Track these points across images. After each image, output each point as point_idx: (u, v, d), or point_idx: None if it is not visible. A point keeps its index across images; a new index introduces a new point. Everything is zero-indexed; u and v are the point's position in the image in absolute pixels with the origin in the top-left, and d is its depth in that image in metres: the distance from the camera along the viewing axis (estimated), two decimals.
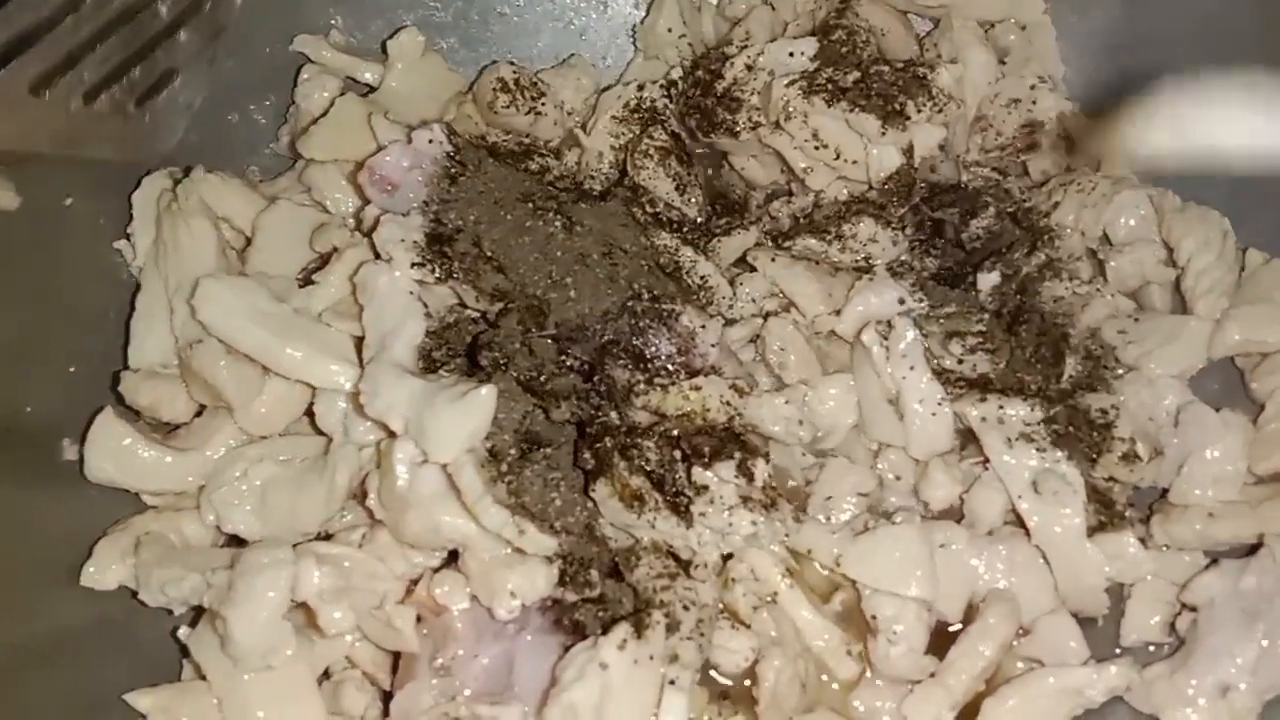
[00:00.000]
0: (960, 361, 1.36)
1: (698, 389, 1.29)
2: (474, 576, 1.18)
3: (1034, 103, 1.52)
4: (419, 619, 1.21)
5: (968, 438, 1.34)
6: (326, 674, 1.26)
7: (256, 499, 1.26)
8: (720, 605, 1.27)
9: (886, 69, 1.45)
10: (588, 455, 1.21)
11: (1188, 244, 1.41)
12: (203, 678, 1.21)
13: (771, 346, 1.38)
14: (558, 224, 1.34)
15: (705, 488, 1.23)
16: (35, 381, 1.31)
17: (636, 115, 1.57)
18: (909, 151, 1.44)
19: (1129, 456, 1.30)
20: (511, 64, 1.57)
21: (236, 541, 1.28)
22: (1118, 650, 1.32)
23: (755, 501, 1.23)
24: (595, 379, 1.29)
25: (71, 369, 1.35)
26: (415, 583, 1.22)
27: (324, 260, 1.38)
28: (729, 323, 1.42)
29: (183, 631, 1.24)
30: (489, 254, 1.31)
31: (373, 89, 1.59)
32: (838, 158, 1.45)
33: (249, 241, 1.42)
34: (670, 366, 1.31)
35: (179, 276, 1.35)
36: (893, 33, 1.54)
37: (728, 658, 1.26)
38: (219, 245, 1.38)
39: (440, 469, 1.16)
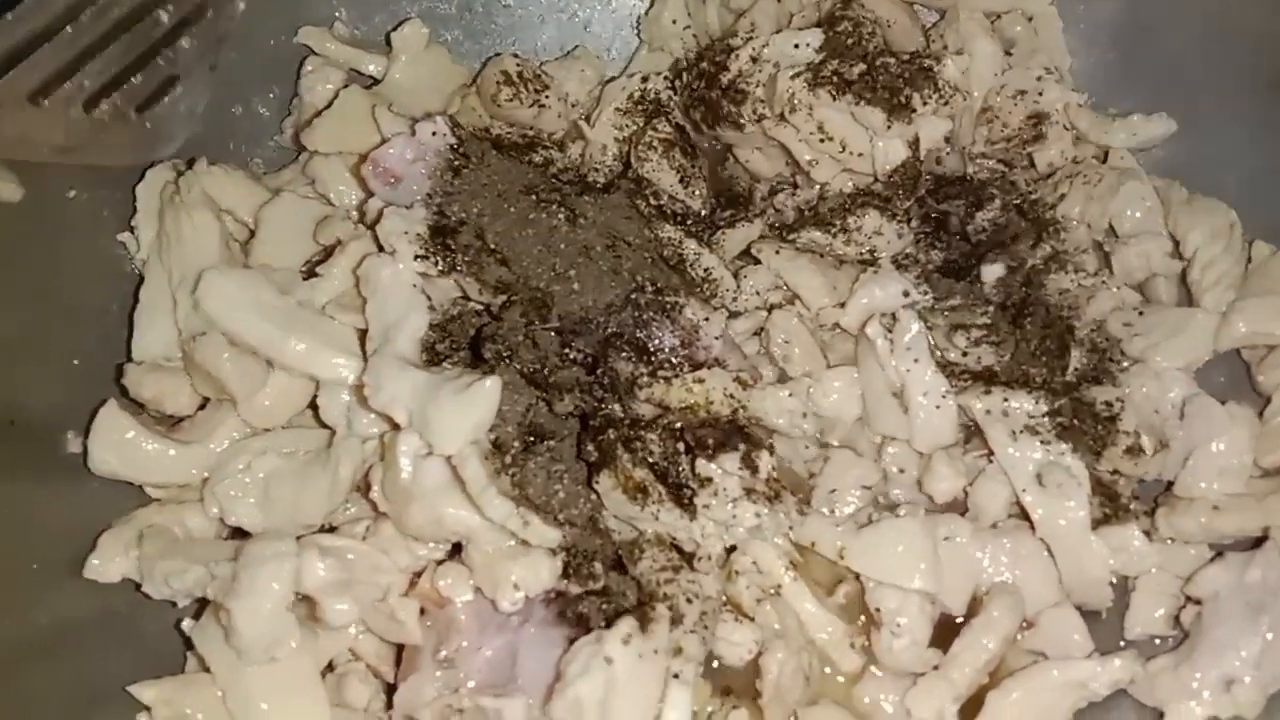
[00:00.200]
0: (965, 354, 1.37)
1: (701, 381, 1.29)
2: (478, 569, 1.18)
3: (1040, 94, 1.51)
4: (422, 611, 1.21)
5: (972, 430, 1.34)
6: (330, 666, 1.27)
7: (260, 492, 1.26)
8: (724, 598, 1.27)
9: (892, 61, 1.44)
10: (591, 448, 1.21)
11: (1194, 236, 1.41)
12: (206, 670, 1.22)
13: (775, 339, 1.38)
14: (561, 216, 1.34)
15: (709, 480, 1.23)
16: (38, 374, 1.31)
17: (640, 107, 1.56)
18: (914, 144, 1.44)
19: (1134, 449, 1.30)
20: (515, 56, 1.57)
21: (240, 534, 1.28)
22: (1122, 643, 1.32)
23: (759, 494, 1.23)
24: (599, 371, 1.29)
25: (75, 362, 1.35)
26: (419, 575, 1.22)
27: (327, 253, 1.38)
28: (733, 315, 1.42)
29: (186, 624, 1.24)
30: (492, 246, 1.31)
31: (376, 81, 1.59)
32: (843, 150, 1.44)
33: (252, 234, 1.42)
34: (674, 359, 1.32)
35: (182, 269, 1.35)
36: (898, 24, 1.53)
37: (731, 650, 1.26)
38: (222, 238, 1.38)
39: (444, 461, 1.16)
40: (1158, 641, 1.32)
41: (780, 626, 1.27)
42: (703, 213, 1.52)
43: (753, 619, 1.28)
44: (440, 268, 1.29)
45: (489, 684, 1.16)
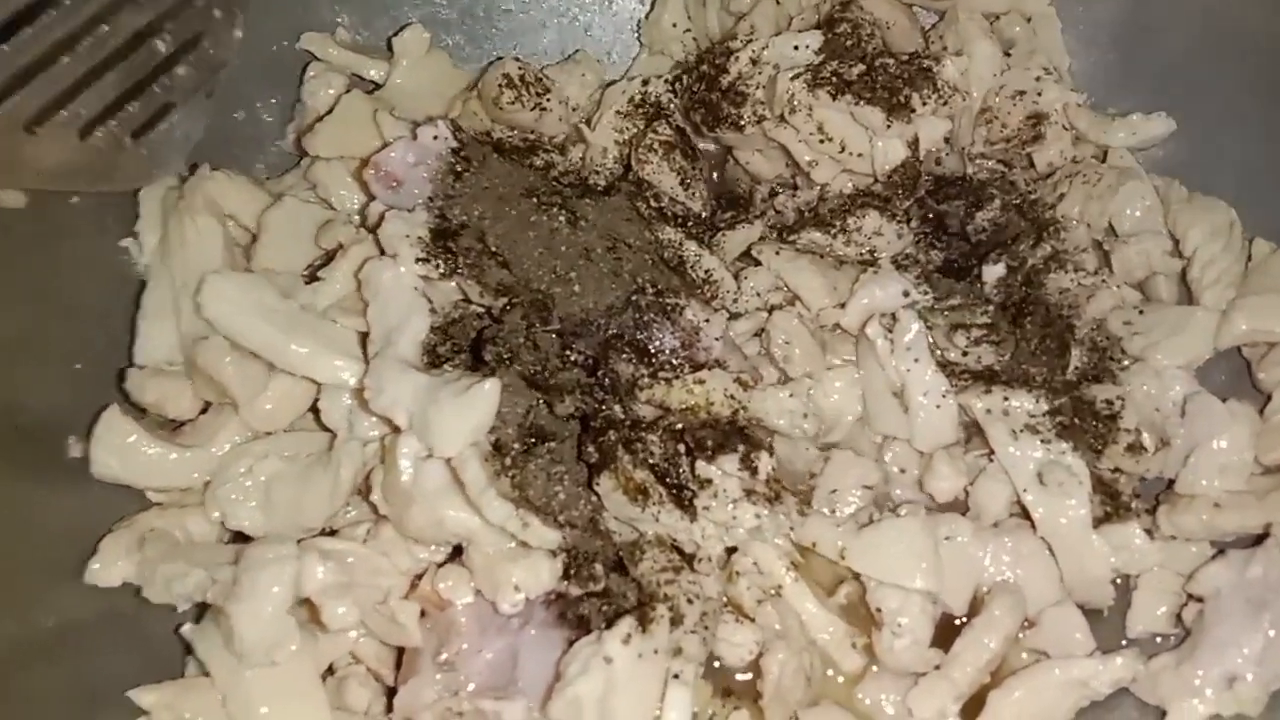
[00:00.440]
0: (965, 354, 1.36)
1: (702, 383, 1.29)
2: (478, 571, 1.18)
3: (1039, 94, 1.51)
4: (423, 614, 1.21)
5: (973, 430, 1.34)
6: (330, 669, 1.26)
7: (261, 495, 1.26)
8: (724, 599, 1.27)
9: (891, 62, 1.44)
10: (592, 449, 1.21)
11: (1194, 234, 1.41)
12: (206, 674, 1.21)
13: (776, 340, 1.38)
14: (562, 219, 1.34)
15: (709, 481, 1.23)
16: (41, 378, 1.31)
17: (641, 110, 1.56)
18: (914, 144, 1.44)
19: (1135, 447, 1.30)
20: (516, 60, 1.57)
21: (241, 538, 1.28)
22: (1124, 641, 1.32)
23: (759, 495, 1.23)
24: (599, 373, 1.29)
25: (77, 366, 1.35)
26: (419, 578, 1.22)
27: (329, 257, 1.38)
28: (733, 316, 1.41)
29: (186, 628, 1.24)
30: (493, 249, 1.31)
31: (378, 86, 1.59)
32: (843, 151, 1.44)
33: (255, 238, 1.42)
34: (674, 360, 1.32)
35: (185, 273, 1.35)
36: (897, 25, 1.53)
37: (732, 651, 1.26)
38: (225, 242, 1.38)
39: (444, 463, 1.16)
40: (1160, 640, 1.31)
41: (781, 627, 1.27)
42: (703, 214, 1.52)
43: (753, 620, 1.27)
44: (441, 271, 1.29)
45: (489, 686, 1.16)
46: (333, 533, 1.27)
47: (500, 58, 1.58)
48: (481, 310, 1.31)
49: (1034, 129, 1.51)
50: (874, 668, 1.28)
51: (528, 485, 1.17)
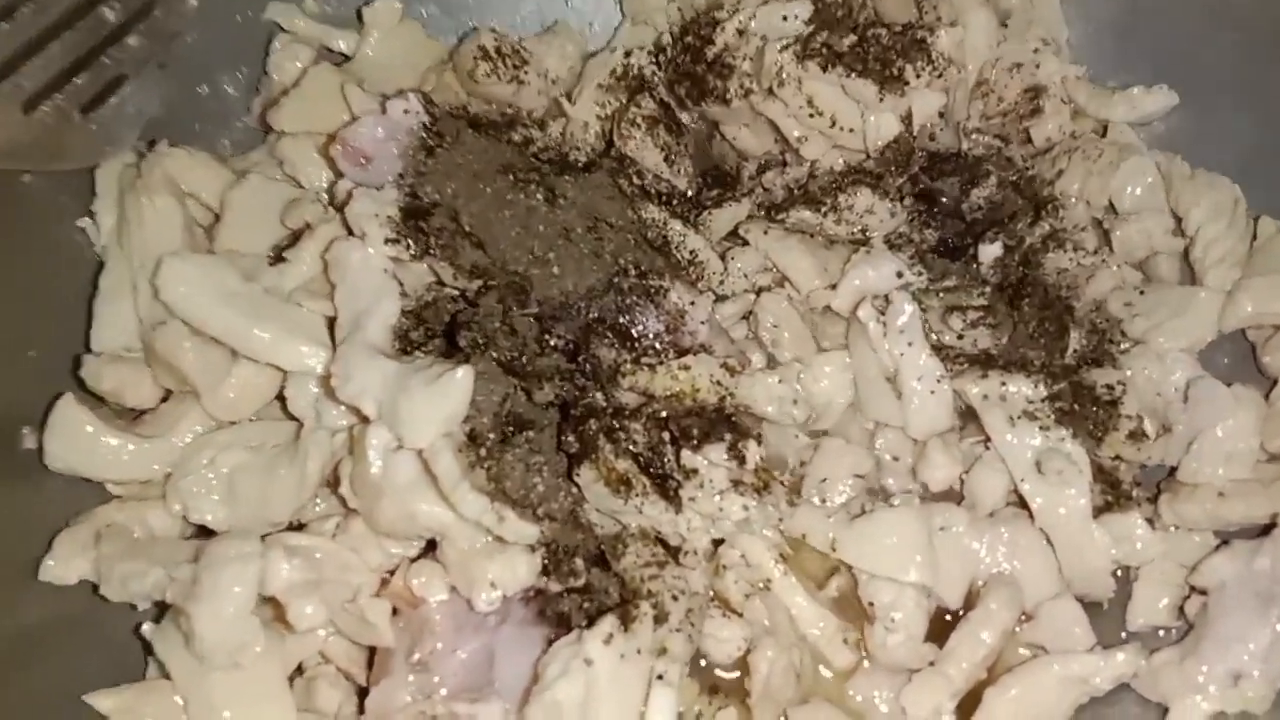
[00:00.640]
0: (960, 337, 1.34)
1: (687, 368, 1.27)
2: (452, 567, 1.16)
3: (1037, 67, 1.49)
4: (395, 612, 1.19)
5: (968, 416, 1.33)
6: (299, 669, 1.24)
7: (225, 488, 1.24)
8: (710, 593, 1.25)
9: (884, 32, 1.42)
10: (572, 438, 1.19)
11: (1197, 213, 1.39)
12: (168, 676, 1.19)
13: (764, 323, 1.36)
14: (540, 197, 1.31)
15: (695, 471, 1.21)
16: None
17: (623, 83, 1.54)
18: (907, 118, 1.42)
19: (1136, 434, 1.28)
20: (493, 31, 1.54)
21: (205, 532, 1.26)
22: (1124, 635, 1.30)
23: (747, 485, 1.21)
24: (580, 359, 1.27)
25: (31, 353, 1.31)
26: (391, 574, 1.20)
27: (295, 237, 1.35)
28: (720, 299, 1.40)
29: (146, 628, 1.21)
30: (467, 229, 1.28)
31: (348, 58, 1.56)
32: (833, 125, 1.42)
33: (217, 218, 1.39)
34: (658, 345, 1.29)
35: (143, 255, 1.32)
36: None
37: (718, 648, 1.25)
38: (185, 222, 1.35)
39: (415, 455, 1.14)
40: (1161, 633, 1.30)
41: (770, 622, 1.26)
42: (688, 192, 1.50)
43: (741, 615, 1.26)
44: (413, 252, 1.27)
45: (465, 688, 1.14)
46: (300, 527, 1.25)
47: (476, 28, 1.55)
48: (455, 293, 1.29)
49: (1032, 103, 1.49)
50: (866, 664, 1.27)
51: (504, 477, 1.14)
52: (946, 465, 1.29)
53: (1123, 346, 1.35)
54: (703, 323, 1.31)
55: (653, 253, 1.36)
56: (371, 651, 1.21)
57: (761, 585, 1.26)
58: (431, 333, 1.24)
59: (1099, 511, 1.26)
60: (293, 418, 1.25)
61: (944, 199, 1.44)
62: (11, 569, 1.23)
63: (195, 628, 1.11)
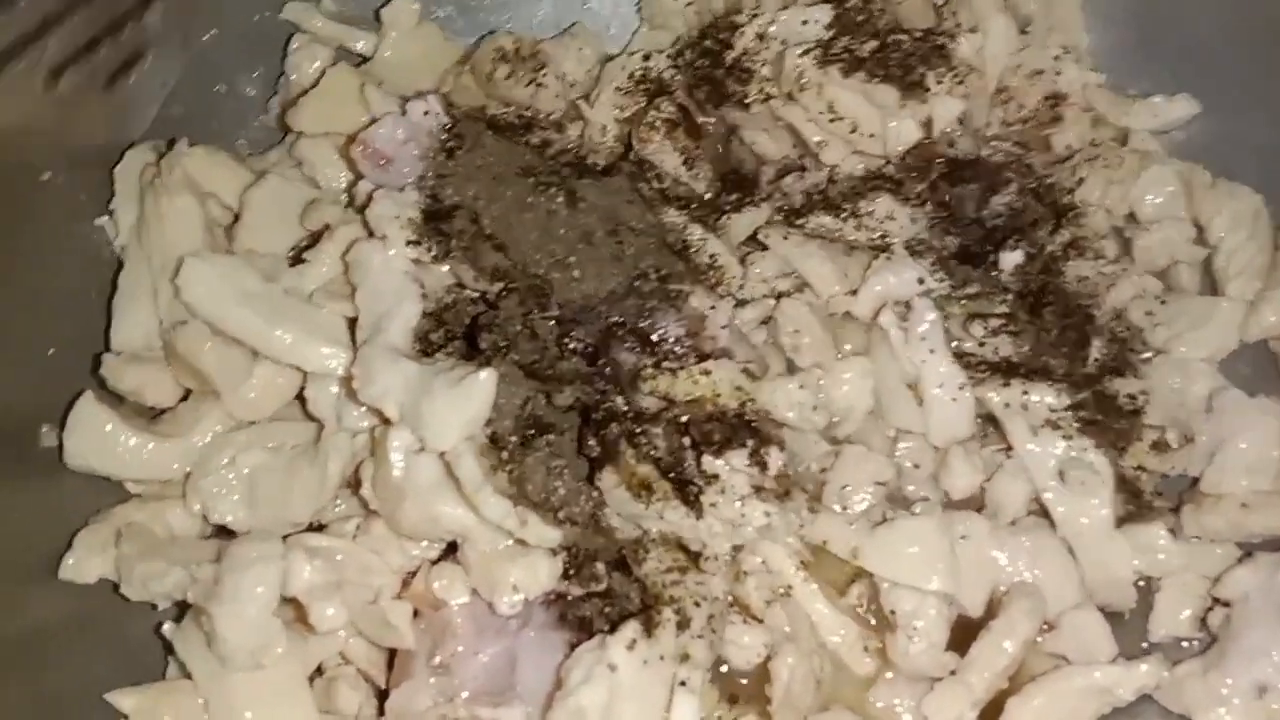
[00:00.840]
0: (982, 344, 1.34)
1: (708, 373, 1.25)
2: (474, 569, 1.16)
3: (1058, 74, 1.48)
4: (416, 614, 1.18)
5: (990, 424, 1.31)
6: (319, 670, 1.23)
7: (245, 488, 1.23)
8: (731, 599, 1.24)
9: (904, 38, 1.42)
10: (593, 442, 1.18)
11: (1219, 222, 1.39)
12: (188, 676, 1.18)
13: (784, 329, 1.35)
14: (560, 200, 1.31)
15: (716, 477, 1.19)
16: (12, 365, 1.27)
17: (642, 87, 1.53)
18: (928, 124, 1.41)
19: (1160, 444, 1.28)
20: (511, 33, 1.55)
21: (224, 532, 1.25)
22: (1145, 645, 1.29)
23: (768, 491, 1.20)
24: (600, 362, 1.26)
25: (50, 351, 1.31)
26: (412, 576, 1.19)
27: (315, 238, 1.34)
28: (740, 304, 1.38)
29: (167, 627, 1.21)
30: (488, 231, 1.28)
31: (366, 59, 1.56)
32: (854, 131, 1.41)
33: (236, 218, 1.39)
34: (679, 349, 1.28)
35: (163, 255, 1.32)
36: (909, 0, 1.49)
37: (739, 654, 1.23)
38: (204, 222, 1.35)
39: (438, 457, 1.13)
40: (1184, 644, 1.29)
41: (790, 629, 1.24)
42: (707, 196, 1.49)
43: (762, 621, 1.24)
44: (434, 254, 1.27)
45: (486, 691, 1.13)
46: (320, 528, 1.24)
47: (494, 30, 1.57)
48: (476, 296, 1.28)
49: (1052, 110, 1.49)
50: (887, 672, 1.25)
51: (526, 480, 1.14)
52: (968, 473, 1.28)
53: (1144, 355, 1.34)
54: (723, 327, 1.30)
55: (672, 257, 1.35)
56: (392, 653, 1.21)
57: (782, 592, 1.24)
58: (452, 335, 1.24)
59: (1121, 521, 1.26)
60: (313, 418, 1.25)
61: (964, 206, 1.43)
62: (31, 567, 1.23)
63: (217, 628, 1.11)
